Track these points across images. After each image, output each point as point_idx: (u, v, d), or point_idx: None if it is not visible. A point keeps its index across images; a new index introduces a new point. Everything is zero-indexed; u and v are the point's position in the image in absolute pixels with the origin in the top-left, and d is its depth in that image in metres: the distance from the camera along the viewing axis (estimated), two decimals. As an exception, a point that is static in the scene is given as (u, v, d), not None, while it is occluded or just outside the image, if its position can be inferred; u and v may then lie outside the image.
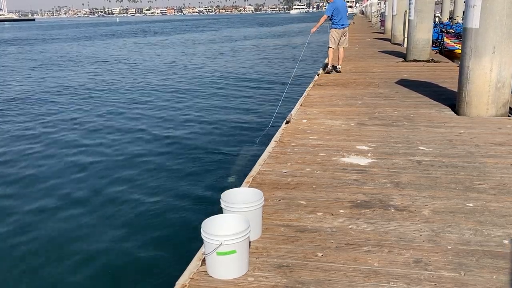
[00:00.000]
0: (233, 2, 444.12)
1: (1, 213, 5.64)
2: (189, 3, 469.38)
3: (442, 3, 29.83)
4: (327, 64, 10.37)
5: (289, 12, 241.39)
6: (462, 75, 5.96)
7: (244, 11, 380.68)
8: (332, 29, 9.83)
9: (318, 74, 10.05)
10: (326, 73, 10.09)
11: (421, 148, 4.68)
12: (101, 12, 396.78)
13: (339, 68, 10.22)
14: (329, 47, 9.99)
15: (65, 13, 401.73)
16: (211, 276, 2.52)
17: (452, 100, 6.74)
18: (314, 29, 9.99)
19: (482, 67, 5.71)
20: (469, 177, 3.87)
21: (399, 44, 15.61)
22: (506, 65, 5.66)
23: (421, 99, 7.08)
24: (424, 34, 11.15)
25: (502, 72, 5.68)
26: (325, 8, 10.15)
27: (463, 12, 6.07)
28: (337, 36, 9.78)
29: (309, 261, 2.65)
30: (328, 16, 9.69)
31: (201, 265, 2.62)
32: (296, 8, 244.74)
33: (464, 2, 5.90)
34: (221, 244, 2.39)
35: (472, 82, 5.82)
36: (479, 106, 5.86)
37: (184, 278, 2.51)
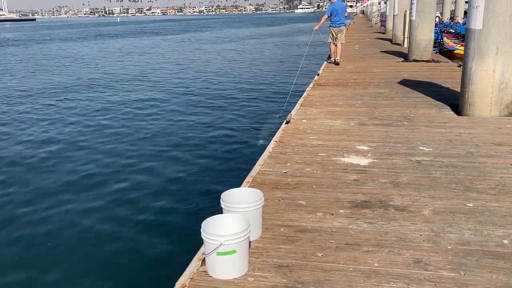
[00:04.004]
0: (234, 2, 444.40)
1: None
2: (190, 3, 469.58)
3: (443, 3, 29.80)
4: (329, 56, 12.10)
5: (294, 12, 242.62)
6: (465, 76, 5.95)
7: (245, 10, 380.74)
8: (330, 27, 11.34)
9: (318, 74, 10.06)
10: (329, 63, 11.76)
11: (421, 148, 4.69)
12: (102, 12, 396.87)
13: (337, 59, 11.64)
14: (329, 42, 11.62)
15: (65, 13, 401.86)
16: (211, 276, 2.52)
17: (452, 100, 6.74)
18: (316, 27, 11.48)
19: (485, 68, 5.70)
20: (469, 177, 3.87)
21: (400, 44, 15.62)
22: (510, 66, 5.65)
23: (421, 99, 7.08)
24: (425, 35, 11.14)
25: (505, 73, 5.66)
26: (325, 8, 11.56)
27: (464, 11, 6.07)
28: (334, 33, 11.27)
29: (309, 261, 2.65)
30: (328, 16, 11.15)
31: (201, 265, 2.62)
32: (302, 8, 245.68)
33: (467, 2, 5.90)
34: (221, 244, 2.39)
35: (475, 83, 5.81)
36: (482, 108, 5.85)
37: (184, 278, 2.52)
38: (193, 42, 36.97)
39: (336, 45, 11.44)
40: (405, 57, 11.95)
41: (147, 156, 7.63)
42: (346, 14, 11.42)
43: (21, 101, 12.95)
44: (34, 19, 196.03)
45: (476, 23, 5.65)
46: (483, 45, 5.66)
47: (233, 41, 36.78)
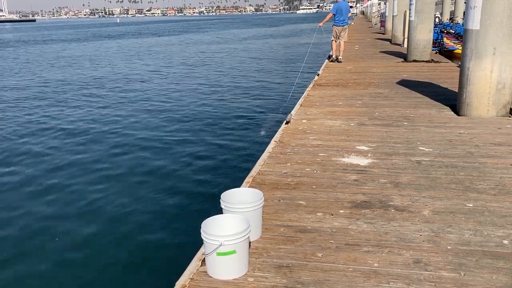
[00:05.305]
0: (234, 3, 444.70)
1: None
2: (190, 4, 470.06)
3: (442, 4, 29.83)
4: (331, 55, 12.46)
5: (295, 12, 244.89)
6: (463, 77, 5.96)
7: (245, 11, 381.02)
8: (333, 25, 11.90)
9: (318, 74, 10.06)
10: (331, 61, 12.06)
11: (421, 148, 4.69)
12: (102, 12, 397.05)
13: (340, 58, 11.98)
14: (331, 40, 12.11)
15: (65, 14, 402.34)
16: (211, 277, 2.52)
17: (452, 100, 6.74)
18: (321, 24, 11.88)
19: (483, 68, 5.70)
20: (469, 177, 3.87)
21: (399, 45, 15.62)
22: (507, 67, 5.65)
23: (421, 99, 7.08)
24: (424, 35, 11.14)
25: (502, 73, 5.67)
26: (326, 9, 11.92)
27: (464, 12, 6.07)
28: (337, 31, 11.79)
29: (309, 261, 2.65)
30: (333, 14, 11.64)
31: (201, 265, 2.62)
32: (303, 8, 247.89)
33: (465, 2, 5.90)
34: (221, 245, 2.39)
35: (473, 83, 5.81)
36: (479, 108, 5.86)
37: (184, 278, 2.52)
38: (193, 43, 36.97)
39: (338, 43, 11.93)
40: (405, 57, 11.95)
41: (147, 156, 7.62)
42: (350, 14, 12.22)
43: (30, 101, 12.96)
44: (34, 20, 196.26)
45: (474, 23, 5.65)
46: (480, 45, 5.66)
47: (234, 42, 36.78)
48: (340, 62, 11.86)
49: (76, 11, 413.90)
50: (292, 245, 2.83)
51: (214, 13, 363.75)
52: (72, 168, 7.20)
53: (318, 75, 10.05)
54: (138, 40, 43.10)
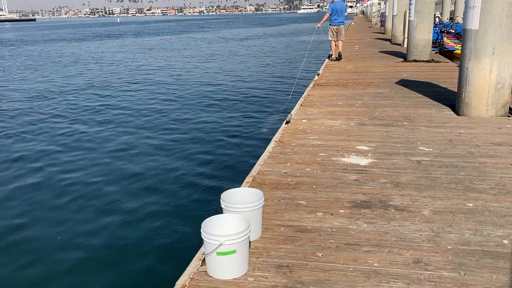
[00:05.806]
0: (234, 2, 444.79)
1: None
2: (190, 3, 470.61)
3: (442, 3, 29.85)
4: (331, 54, 12.63)
5: (296, 12, 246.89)
6: (462, 76, 5.96)
7: (245, 11, 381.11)
8: (330, 25, 12.15)
9: (318, 74, 10.07)
10: (331, 60, 12.33)
11: (421, 148, 4.69)
12: (102, 12, 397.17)
13: (340, 53, 12.27)
14: (330, 40, 12.35)
15: (65, 13, 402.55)
16: (211, 276, 2.52)
17: (452, 100, 6.74)
18: (319, 24, 12.06)
19: (482, 68, 5.71)
20: (469, 177, 3.87)
21: (399, 44, 15.63)
22: (506, 66, 5.66)
23: (421, 99, 7.09)
24: (424, 35, 11.16)
25: (501, 73, 5.67)
26: (327, 8, 12.64)
27: (464, 12, 6.07)
28: (333, 31, 12.09)
29: (309, 261, 2.65)
30: (330, 14, 11.95)
31: (201, 265, 2.62)
32: (304, 8, 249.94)
33: (465, 2, 5.91)
34: (221, 244, 2.39)
35: (472, 83, 5.82)
36: (478, 107, 5.86)
37: (184, 278, 2.52)
38: (193, 42, 36.96)
39: (336, 44, 12.24)
40: (405, 57, 11.96)
41: (147, 156, 7.62)
42: (346, 13, 12.26)
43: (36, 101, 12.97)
44: (34, 19, 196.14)
45: (473, 23, 5.65)
46: (479, 45, 5.66)
47: (235, 41, 36.78)
48: (341, 57, 12.18)
49: (76, 11, 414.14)
50: (292, 245, 2.83)
51: (214, 13, 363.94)
52: (68, 169, 7.20)
53: (318, 75, 10.05)
54: (139, 39, 43.09)
